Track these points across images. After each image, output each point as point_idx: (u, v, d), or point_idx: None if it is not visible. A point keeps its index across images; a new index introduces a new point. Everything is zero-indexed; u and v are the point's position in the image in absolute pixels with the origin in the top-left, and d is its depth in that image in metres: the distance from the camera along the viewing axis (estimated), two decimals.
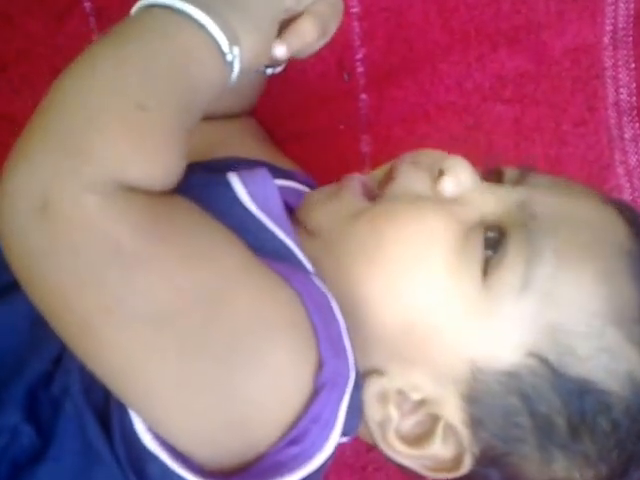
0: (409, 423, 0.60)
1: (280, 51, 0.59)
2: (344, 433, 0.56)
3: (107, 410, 0.53)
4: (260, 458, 0.52)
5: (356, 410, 0.58)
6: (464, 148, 0.87)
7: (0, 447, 0.54)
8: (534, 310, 0.57)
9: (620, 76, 0.88)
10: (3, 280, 0.57)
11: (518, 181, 0.63)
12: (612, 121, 0.88)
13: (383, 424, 0.60)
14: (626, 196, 0.87)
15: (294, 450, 0.52)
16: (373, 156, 0.88)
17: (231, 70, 0.54)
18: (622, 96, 0.88)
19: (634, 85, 0.88)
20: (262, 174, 0.61)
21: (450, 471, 0.60)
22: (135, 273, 0.47)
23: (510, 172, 0.65)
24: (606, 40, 0.88)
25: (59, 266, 0.47)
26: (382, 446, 0.61)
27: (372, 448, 0.73)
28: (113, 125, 0.48)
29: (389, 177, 0.64)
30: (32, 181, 0.46)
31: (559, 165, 0.88)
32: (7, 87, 0.86)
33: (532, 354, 0.57)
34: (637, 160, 0.88)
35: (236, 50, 0.54)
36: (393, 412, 0.59)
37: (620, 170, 0.88)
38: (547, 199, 0.61)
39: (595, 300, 0.57)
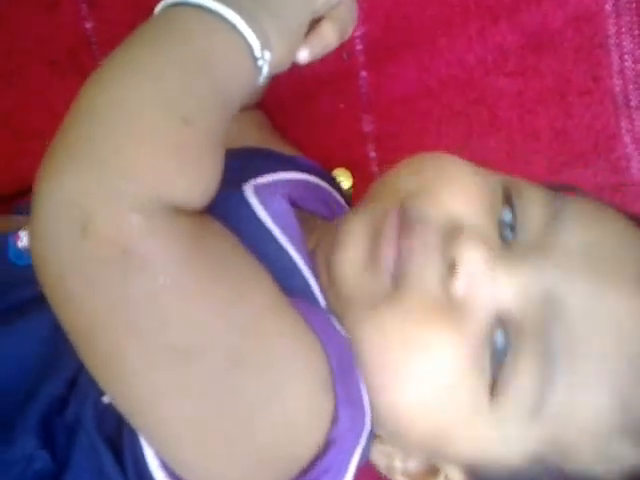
0: (414, 463, 0.61)
1: (303, 55, 0.58)
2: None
3: (120, 441, 0.52)
4: None
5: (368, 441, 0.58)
6: (467, 123, 0.87)
7: (16, 473, 0.54)
8: (543, 430, 0.56)
9: (624, 43, 0.86)
10: (13, 300, 0.57)
11: (541, 235, 0.58)
12: (617, 89, 0.86)
13: (389, 469, 0.62)
14: (634, 164, 0.86)
15: None
16: (375, 135, 0.87)
17: (260, 74, 0.53)
18: (627, 64, 0.86)
19: (639, 52, 0.86)
20: (279, 198, 0.60)
21: None
22: (171, 303, 0.46)
23: (535, 218, 0.59)
24: (608, 7, 0.86)
25: (95, 288, 0.45)
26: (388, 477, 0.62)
27: None
28: (159, 141, 0.46)
29: (399, 250, 0.57)
30: (73, 199, 0.44)
31: (565, 136, 0.87)
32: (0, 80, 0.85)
33: (537, 461, 0.57)
34: None
35: (267, 55, 0.52)
36: (398, 464, 0.61)
37: (627, 138, 0.87)
38: (573, 288, 0.56)
39: (607, 419, 0.56)
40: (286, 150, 0.77)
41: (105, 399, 0.53)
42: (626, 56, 0.86)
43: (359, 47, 0.87)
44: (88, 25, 0.85)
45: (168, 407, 0.48)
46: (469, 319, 0.56)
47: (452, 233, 0.56)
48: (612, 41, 0.86)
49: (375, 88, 0.87)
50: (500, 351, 0.56)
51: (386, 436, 0.59)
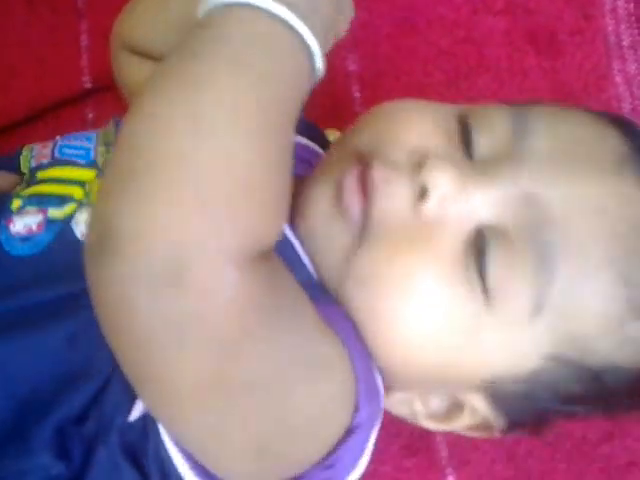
0: (436, 402, 0.61)
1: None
2: None
3: (143, 452, 0.53)
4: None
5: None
6: (454, 62, 0.86)
7: None
8: (549, 326, 0.55)
9: None
10: (30, 301, 0.55)
11: (509, 146, 0.57)
12: (610, 29, 0.85)
13: (412, 415, 0.62)
14: (626, 105, 0.85)
15: (326, 474, 0.53)
16: (359, 75, 0.86)
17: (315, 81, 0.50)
18: (619, 2, 0.85)
19: None
20: None
21: (485, 432, 0.62)
22: (251, 348, 0.45)
23: (498, 129, 0.58)
24: None
25: (183, 335, 0.43)
26: (416, 424, 0.62)
27: None
28: (259, 192, 0.44)
29: (364, 186, 0.57)
30: (169, 243, 0.41)
31: (554, 75, 0.85)
32: None
33: (552, 358, 0.56)
34: (636, 68, 0.85)
35: (321, 64, 0.49)
36: (419, 406, 0.61)
37: (619, 79, 0.85)
38: (552, 188, 0.55)
39: (614, 306, 0.55)
40: None
41: (131, 418, 0.53)
42: None
43: None
44: None
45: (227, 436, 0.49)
46: (444, 237, 0.55)
47: (417, 164, 0.55)
48: None
49: (361, 26, 0.85)
50: (486, 260, 0.54)
51: (401, 384, 0.59)
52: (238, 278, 0.43)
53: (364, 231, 0.56)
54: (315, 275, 0.58)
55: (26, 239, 0.58)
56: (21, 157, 0.67)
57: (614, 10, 0.85)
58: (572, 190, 0.55)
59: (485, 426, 0.61)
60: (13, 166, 0.66)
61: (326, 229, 0.57)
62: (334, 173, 0.58)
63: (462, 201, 0.55)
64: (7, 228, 0.58)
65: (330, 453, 0.53)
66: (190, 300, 0.42)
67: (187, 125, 0.43)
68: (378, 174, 0.55)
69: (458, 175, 0.55)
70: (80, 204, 0.59)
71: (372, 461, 0.56)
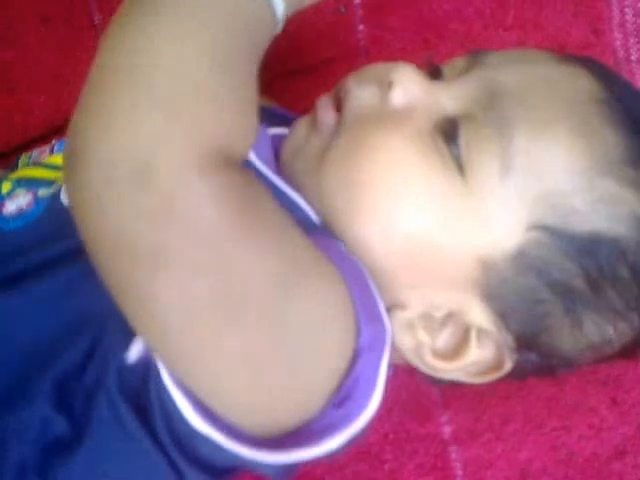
0: (442, 338, 0.60)
1: None
2: None
3: (145, 396, 0.52)
4: (307, 424, 0.52)
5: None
6: None
7: (32, 436, 0.54)
8: (520, 187, 0.56)
9: None
10: (28, 264, 0.57)
11: (469, 68, 0.62)
12: (618, 43, 0.86)
13: (417, 350, 0.60)
14: None
15: (340, 412, 0.53)
16: None
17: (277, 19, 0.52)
18: (628, 17, 0.86)
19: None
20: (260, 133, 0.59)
21: (495, 371, 0.61)
22: (224, 250, 0.46)
23: (458, 62, 0.64)
24: None
25: (147, 234, 0.44)
26: (422, 369, 0.61)
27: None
28: (220, 99, 0.46)
29: (337, 97, 0.63)
30: (133, 147, 0.44)
31: None
32: None
33: (532, 227, 0.57)
34: None
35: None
36: (424, 336, 0.60)
37: None
38: (506, 74, 0.60)
39: (576, 158, 0.57)
40: (265, 102, 0.77)
41: (129, 358, 0.53)
42: (627, 9, 0.86)
43: (357, 1, 0.86)
44: None
45: (216, 342, 0.48)
46: (413, 120, 0.59)
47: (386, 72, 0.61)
48: None
49: (373, 42, 0.86)
50: (455, 135, 0.58)
51: (395, 293, 0.59)
52: (202, 178, 0.44)
53: (337, 130, 0.61)
54: (312, 216, 0.59)
55: (17, 216, 0.61)
56: (19, 161, 0.71)
57: (622, 25, 0.86)
58: (526, 70, 0.61)
59: (494, 363, 0.60)
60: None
61: (303, 144, 0.63)
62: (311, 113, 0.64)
63: (428, 98, 0.60)
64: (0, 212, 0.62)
65: (338, 389, 0.52)
66: (157, 200, 0.44)
67: (144, 41, 0.46)
68: (350, 84, 0.62)
69: (423, 78, 0.61)
70: None
71: None
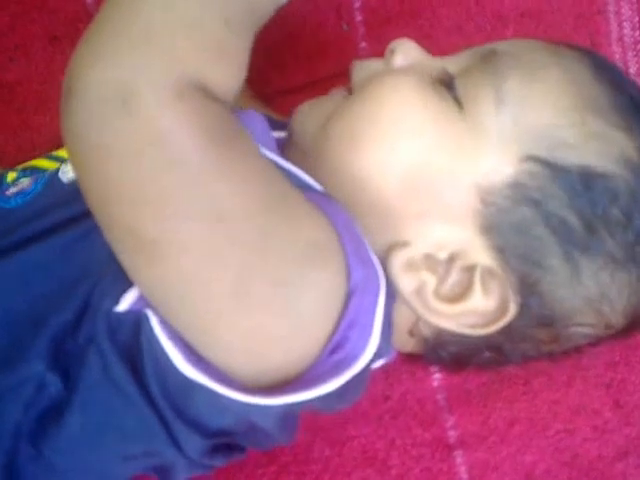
0: (447, 285, 0.60)
1: None
2: (378, 355, 0.57)
3: (136, 348, 0.53)
4: (304, 372, 0.52)
5: (387, 325, 0.58)
6: None
7: (27, 397, 0.55)
8: (514, 118, 0.59)
9: (623, 10, 0.87)
10: (30, 231, 0.60)
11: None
12: (617, 57, 0.87)
13: (420, 291, 0.60)
14: None
15: (336, 357, 0.53)
16: None
17: None
18: (626, 31, 0.87)
19: (637, 19, 0.87)
20: (251, 113, 0.61)
21: (497, 321, 0.60)
22: (199, 177, 0.48)
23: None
24: None
25: (127, 158, 0.47)
26: (423, 313, 0.60)
27: (388, 397, 0.73)
28: (203, 33, 0.49)
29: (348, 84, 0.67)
30: (117, 73, 0.47)
31: None
32: (2, 53, 0.86)
33: (526, 157, 0.58)
34: None
35: None
36: (427, 276, 0.60)
37: None
38: (502, 44, 0.65)
39: (566, 95, 0.60)
40: (275, 116, 0.78)
41: (119, 308, 0.54)
42: (625, 23, 0.87)
43: (359, 18, 0.87)
44: (89, 0, 0.85)
45: (201, 278, 0.49)
46: (412, 71, 0.63)
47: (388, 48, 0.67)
48: (611, 8, 0.87)
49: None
50: (451, 84, 0.62)
51: (398, 228, 0.60)
52: (179, 101, 0.47)
53: (348, 94, 0.66)
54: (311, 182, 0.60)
55: (18, 194, 0.64)
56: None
57: (621, 39, 0.87)
58: (521, 40, 0.66)
59: (498, 311, 0.60)
60: None
61: (316, 104, 0.67)
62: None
63: (428, 60, 0.65)
64: (3, 193, 0.65)
65: (333, 332, 0.53)
66: (136, 122, 0.46)
67: None
68: (355, 62, 0.67)
69: (424, 51, 0.66)
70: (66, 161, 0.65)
71: None
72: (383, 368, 0.72)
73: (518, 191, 0.58)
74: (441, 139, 0.60)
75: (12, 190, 0.65)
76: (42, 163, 0.69)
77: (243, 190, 0.50)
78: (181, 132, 0.47)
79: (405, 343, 0.64)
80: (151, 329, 0.52)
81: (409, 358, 0.70)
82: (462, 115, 0.60)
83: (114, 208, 0.49)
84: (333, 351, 0.53)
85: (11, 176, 0.67)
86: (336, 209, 0.56)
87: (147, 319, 0.52)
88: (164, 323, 0.52)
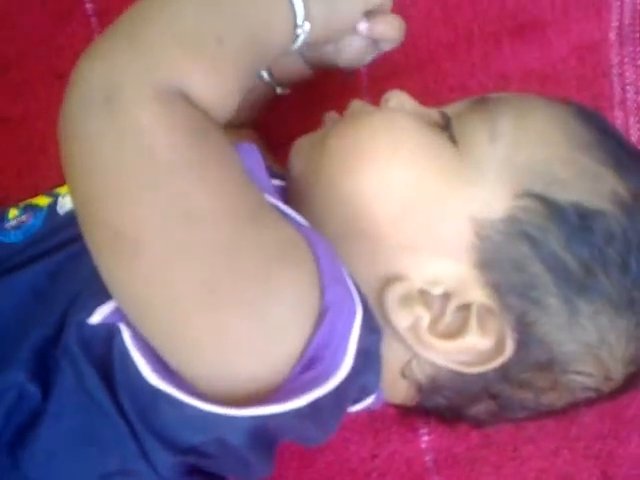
0: (443, 323, 0.59)
1: (363, 26, 0.68)
2: (365, 390, 0.57)
3: (109, 360, 0.53)
4: (275, 387, 0.52)
5: (373, 358, 0.58)
6: None
7: (8, 404, 0.55)
8: (509, 154, 0.61)
9: (627, 74, 0.87)
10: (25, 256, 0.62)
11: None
12: (619, 121, 0.87)
13: (414, 327, 0.59)
14: None
15: (308, 375, 0.52)
16: None
17: (295, 40, 0.61)
18: (629, 94, 0.87)
19: None
20: (248, 146, 0.61)
21: (494, 359, 0.59)
22: (170, 174, 0.50)
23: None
24: (612, 37, 0.87)
25: (105, 152, 0.50)
26: (418, 350, 0.60)
27: (376, 455, 0.73)
28: (192, 46, 0.53)
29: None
30: (105, 73, 0.51)
31: None
32: (8, 89, 0.86)
33: (521, 193, 0.59)
34: None
35: (307, 26, 0.60)
36: (421, 311, 0.59)
37: None
38: (494, 95, 0.67)
39: (556, 135, 0.62)
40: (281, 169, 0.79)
41: (93, 320, 0.54)
42: (628, 87, 0.87)
43: (363, 70, 0.87)
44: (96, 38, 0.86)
45: (173, 276, 0.50)
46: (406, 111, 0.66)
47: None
48: (615, 71, 0.87)
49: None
50: (445, 124, 0.64)
51: (390, 257, 0.60)
52: (163, 109, 0.50)
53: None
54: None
55: (17, 227, 0.66)
56: None
57: (623, 102, 0.87)
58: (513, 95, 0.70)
59: (494, 350, 0.59)
60: None
61: (310, 136, 0.69)
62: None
63: (421, 109, 0.67)
64: (3, 227, 0.66)
65: (305, 350, 0.52)
66: (118, 119, 0.50)
67: (152, 3, 0.55)
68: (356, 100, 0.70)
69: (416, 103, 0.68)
70: (64, 194, 0.67)
71: None
72: (373, 427, 0.72)
73: (513, 226, 0.59)
74: (436, 171, 0.61)
75: (12, 223, 0.67)
76: (42, 201, 0.69)
77: (214, 192, 0.51)
78: (157, 130, 0.50)
79: (396, 387, 0.63)
80: (122, 341, 0.53)
81: (400, 412, 0.70)
82: (457, 150, 0.62)
83: (94, 203, 0.51)
84: (305, 368, 0.52)
85: (12, 213, 0.69)
86: (318, 238, 0.56)
87: (119, 332, 0.53)
88: (136, 336, 0.53)
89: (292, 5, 0.59)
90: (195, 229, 0.50)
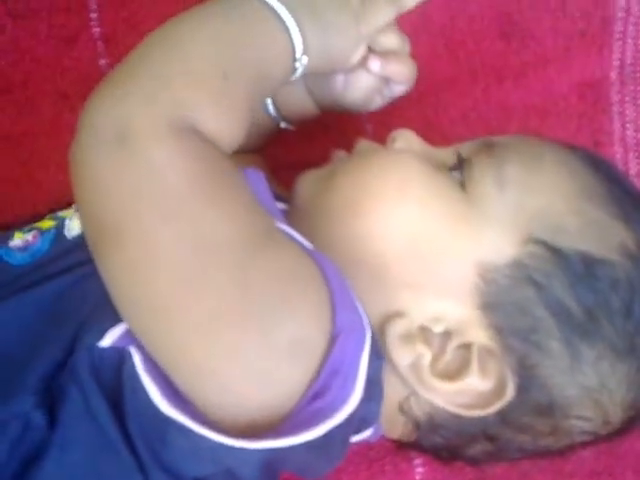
0: (443, 361, 0.59)
1: (375, 65, 0.69)
2: (365, 420, 0.57)
3: (119, 389, 0.53)
4: (285, 417, 0.51)
5: (376, 386, 0.57)
6: None
7: (12, 438, 0.55)
8: (516, 200, 0.61)
9: (627, 112, 0.88)
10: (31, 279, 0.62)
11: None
12: (618, 157, 0.88)
13: (415, 365, 0.60)
14: None
15: (318, 404, 0.52)
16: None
17: (294, 73, 0.63)
18: (628, 132, 0.88)
19: None
20: (254, 171, 0.62)
21: (494, 402, 0.59)
22: (186, 204, 0.51)
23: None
24: (613, 75, 0.88)
25: (123, 190, 0.51)
26: (418, 389, 0.60)
27: None
28: (199, 84, 0.54)
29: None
30: (117, 112, 0.51)
31: None
32: (12, 108, 0.86)
33: (528, 240, 0.60)
34: None
35: (305, 60, 0.62)
36: (422, 349, 0.59)
37: None
38: (500, 139, 0.67)
39: (564, 184, 0.62)
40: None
41: (103, 343, 0.54)
42: (628, 124, 0.88)
43: None
44: (103, 62, 0.87)
45: (182, 305, 0.51)
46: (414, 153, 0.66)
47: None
48: (615, 109, 0.88)
49: (380, 141, 0.87)
50: (452, 169, 0.64)
51: (392, 297, 0.60)
52: (173, 139, 0.51)
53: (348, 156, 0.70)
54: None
55: (24, 249, 0.66)
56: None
57: (623, 139, 0.88)
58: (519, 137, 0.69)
59: (494, 392, 0.59)
60: None
61: (317, 171, 0.70)
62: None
63: (428, 150, 0.68)
64: (7, 246, 0.67)
65: (315, 376, 0.52)
66: (133, 156, 0.51)
67: (159, 34, 0.57)
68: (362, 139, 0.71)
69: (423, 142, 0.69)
70: (71, 217, 0.67)
71: None
72: (367, 457, 0.71)
73: (519, 271, 0.59)
74: (443, 213, 0.61)
75: (17, 243, 0.67)
76: (47, 224, 0.70)
77: (229, 219, 0.52)
78: (174, 165, 0.51)
79: (394, 422, 0.63)
80: (133, 366, 0.52)
81: (396, 446, 0.69)
82: (464, 195, 0.62)
83: (113, 240, 0.51)
84: (314, 397, 0.52)
85: (18, 236, 0.69)
86: (327, 262, 0.56)
87: (130, 356, 0.53)
88: (147, 361, 0.52)
89: (291, 40, 0.61)
90: (212, 256, 0.51)
